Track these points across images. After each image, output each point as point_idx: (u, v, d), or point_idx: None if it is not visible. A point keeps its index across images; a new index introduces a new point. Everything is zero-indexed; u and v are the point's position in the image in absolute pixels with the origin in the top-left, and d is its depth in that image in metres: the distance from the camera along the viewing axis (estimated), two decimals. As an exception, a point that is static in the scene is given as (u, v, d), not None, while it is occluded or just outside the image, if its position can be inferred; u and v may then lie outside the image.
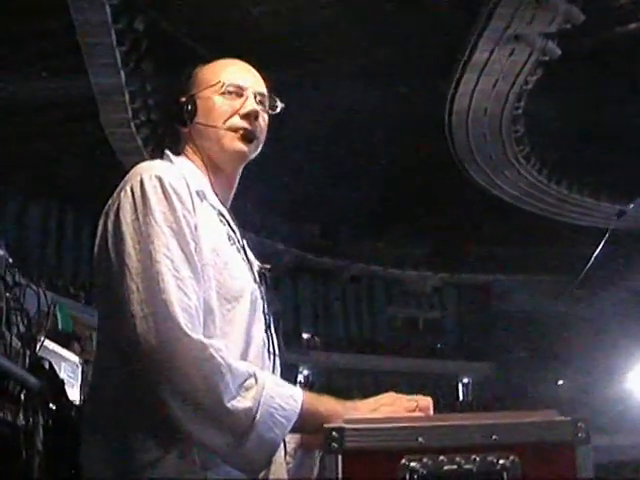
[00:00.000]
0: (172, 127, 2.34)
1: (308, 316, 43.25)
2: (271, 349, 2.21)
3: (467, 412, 41.56)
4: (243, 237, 2.29)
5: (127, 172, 2.16)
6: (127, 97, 26.02)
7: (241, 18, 25.42)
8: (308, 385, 40.97)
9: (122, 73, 24.91)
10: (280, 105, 2.37)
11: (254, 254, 2.36)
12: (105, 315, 2.09)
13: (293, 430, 1.96)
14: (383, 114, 28.86)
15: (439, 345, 45.77)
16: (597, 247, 38.71)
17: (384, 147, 31.03)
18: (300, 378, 41.24)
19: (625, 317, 41.82)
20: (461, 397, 45.19)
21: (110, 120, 27.09)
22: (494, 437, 1.61)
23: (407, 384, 42.47)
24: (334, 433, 1.61)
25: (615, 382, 39.93)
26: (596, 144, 30.46)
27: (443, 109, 29.57)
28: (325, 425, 1.64)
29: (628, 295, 41.98)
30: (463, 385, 45.50)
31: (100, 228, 2.09)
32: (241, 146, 2.27)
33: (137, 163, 2.19)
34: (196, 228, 2.05)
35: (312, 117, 26.37)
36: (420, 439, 1.60)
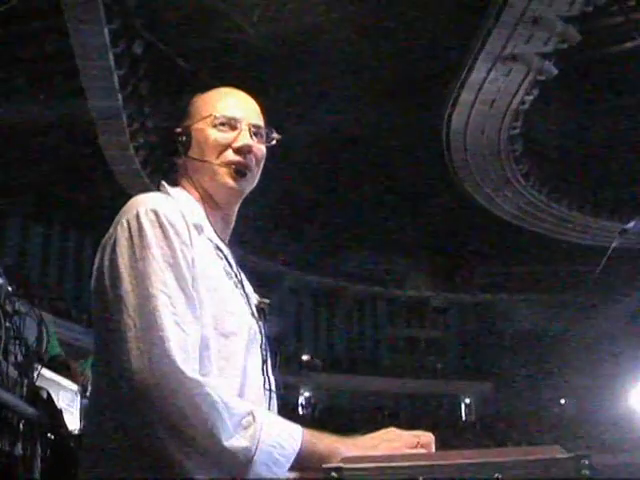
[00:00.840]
0: (168, 157, 2.30)
1: (310, 337, 43.19)
2: (267, 385, 2.17)
3: (470, 432, 41.63)
4: (240, 271, 2.25)
5: (126, 195, 2.14)
6: (125, 120, 26.06)
7: (239, 41, 25.48)
8: (310, 406, 40.88)
9: (120, 96, 24.95)
10: (276, 137, 2.31)
11: (254, 281, 2.33)
12: (101, 348, 2.03)
13: (292, 469, 1.91)
14: (382, 134, 28.90)
15: (440, 365, 45.67)
16: (599, 265, 38.64)
17: (385, 168, 31.05)
18: (301, 400, 41.14)
19: (629, 335, 41.76)
20: (463, 417, 45.05)
21: (109, 143, 27.12)
22: (497, 476, 1.57)
23: (409, 405, 42.44)
24: (333, 473, 1.57)
25: (618, 400, 39.82)
26: (595, 162, 30.52)
27: (441, 128, 29.62)
28: (324, 465, 1.60)
29: (632, 312, 41.95)
30: (465, 405, 45.36)
31: (97, 261, 2.05)
32: (233, 183, 2.22)
33: (135, 186, 2.17)
34: (193, 262, 2.01)
35: (312, 137, 26.41)
36: (421, 478, 1.57)
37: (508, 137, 29.49)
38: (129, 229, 2.00)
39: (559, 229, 36.03)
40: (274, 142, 2.33)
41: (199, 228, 2.13)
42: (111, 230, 2.06)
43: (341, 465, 1.58)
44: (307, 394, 41.28)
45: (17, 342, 4.05)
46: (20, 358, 4.04)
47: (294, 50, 25.60)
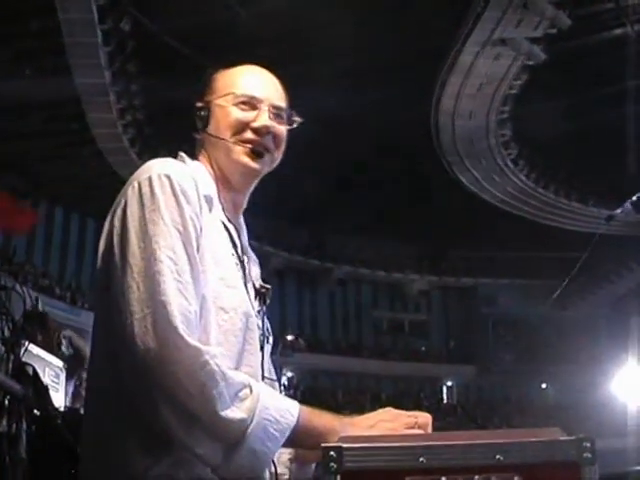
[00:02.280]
0: (189, 131, 2.28)
1: (294, 317, 43.24)
2: (263, 371, 2.14)
3: (451, 415, 41.86)
4: (248, 254, 2.28)
5: (114, 172, 2.10)
6: (112, 97, 25.93)
7: (228, 20, 25.34)
8: (293, 387, 40.97)
9: (107, 73, 24.81)
10: (298, 120, 2.32)
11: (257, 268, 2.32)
12: (102, 315, 2.03)
13: (287, 445, 1.90)
14: (370, 117, 28.85)
15: (423, 348, 45.84)
16: (585, 251, 38.89)
17: (371, 151, 31.02)
18: (284, 380, 41.24)
19: (611, 321, 42.05)
20: (445, 400, 45.25)
21: (96, 120, 26.99)
22: (498, 457, 1.55)
23: (391, 386, 42.60)
24: (332, 453, 1.55)
25: (600, 386, 40.09)
26: (584, 149, 30.55)
27: (429, 111, 29.62)
28: (323, 444, 1.58)
29: (615, 299, 42.18)
30: (447, 388, 45.56)
31: (107, 225, 2.04)
32: (248, 161, 2.21)
33: (123, 164, 2.13)
34: (201, 231, 2.01)
35: (300, 120, 26.28)
36: (422, 459, 1.54)
37: (497, 121, 29.53)
38: (140, 192, 1.99)
39: (546, 215, 36.16)
40: (295, 125, 2.32)
41: (209, 201, 2.12)
42: (122, 192, 2.05)
43: (341, 444, 1.56)
44: (290, 374, 41.37)
45: (3, 317, 4.01)
46: (7, 333, 4.00)
47: (283, 31, 25.50)
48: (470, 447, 1.56)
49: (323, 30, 25.79)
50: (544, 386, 45.92)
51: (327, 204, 34.83)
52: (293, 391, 40.68)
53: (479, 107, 28.72)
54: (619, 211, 33.92)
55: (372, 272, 44.32)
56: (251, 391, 1.86)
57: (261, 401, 1.85)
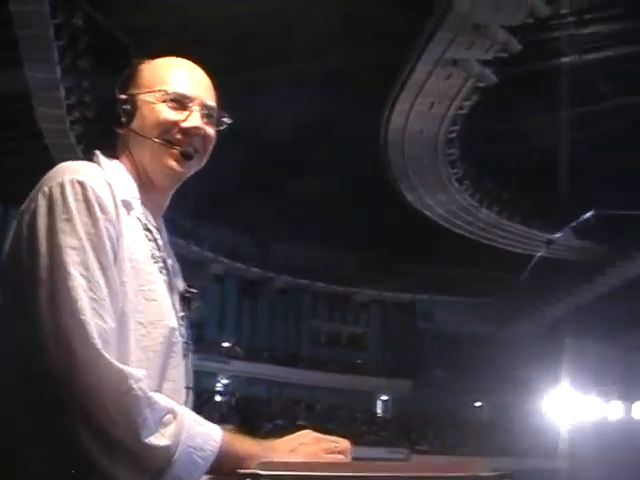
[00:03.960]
0: (108, 125, 2.13)
1: (232, 325, 43.04)
2: (185, 382, 2.05)
3: (385, 429, 41.90)
4: (170, 256, 2.11)
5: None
6: (62, 93, 25.55)
7: (182, 19, 25.15)
8: (228, 394, 40.74)
9: (58, 68, 24.44)
10: (227, 121, 2.16)
11: (182, 267, 2.23)
12: (6, 326, 1.86)
13: (209, 471, 1.85)
14: (317, 127, 28.84)
15: (360, 361, 45.91)
16: (524, 272, 39.35)
17: (319, 163, 30.98)
18: (219, 387, 41.00)
19: (547, 343, 42.52)
20: (379, 414, 45.34)
21: (44, 115, 26.57)
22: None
23: (326, 398, 42.55)
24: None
25: (533, 407, 40.55)
26: (530, 172, 30.92)
27: (380, 126, 29.68)
28: (239, 470, 1.56)
29: (552, 321, 42.66)
30: (382, 402, 45.67)
31: (15, 228, 1.91)
32: (174, 165, 2.06)
33: (69, 160, 2.04)
34: (118, 241, 1.88)
35: (245, 126, 26.17)
36: (338, 489, 1.54)
37: (445, 140, 29.71)
38: (51, 199, 1.86)
39: (488, 235, 36.46)
40: (225, 126, 2.17)
41: (128, 205, 1.98)
42: (32, 195, 1.92)
43: (258, 471, 1.54)
44: (226, 381, 41.15)
45: None
46: None
47: (237, 32, 25.40)
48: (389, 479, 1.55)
49: (277, 35, 25.77)
50: (478, 404, 46.26)
51: (272, 213, 34.74)
52: (228, 398, 40.48)
53: (429, 125, 28.88)
54: (559, 235, 34.45)
55: (312, 283, 44.30)
56: (175, 416, 1.79)
57: (185, 427, 1.78)
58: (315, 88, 26.93)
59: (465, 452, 36.31)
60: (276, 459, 1.77)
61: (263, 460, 1.71)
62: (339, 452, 1.92)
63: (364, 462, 1.73)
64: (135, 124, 2.08)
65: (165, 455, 1.74)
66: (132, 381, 1.74)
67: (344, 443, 1.95)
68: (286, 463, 1.68)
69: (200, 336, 37.85)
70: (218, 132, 2.16)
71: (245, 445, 1.85)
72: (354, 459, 1.92)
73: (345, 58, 26.40)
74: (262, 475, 1.53)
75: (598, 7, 26.34)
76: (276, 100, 26.77)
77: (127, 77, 2.15)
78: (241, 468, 1.59)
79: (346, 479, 1.54)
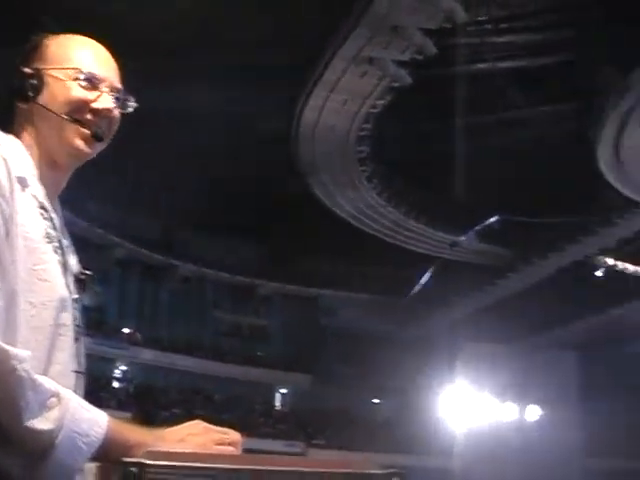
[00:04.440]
0: (7, 98, 2.03)
1: (133, 311, 42.54)
2: (76, 366, 1.97)
3: (282, 422, 41.95)
4: (66, 237, 2.04)
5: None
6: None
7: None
8: (126, 381, 40.28)
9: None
10: (134, 105, 2.10)
11: (80, 248, 2.15)
12: None
13: (94, 458, 1.79)
14: (230, 118, 28.68)
15: (260, 353, 45.89)
16: (426, 272, 39.87)
17: (230, 152, 30.81)
18: (117, 373, 40.49)
19: (447, 344, 43.12)
20: (278, 407, 45.41)
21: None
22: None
23: (225, 389, 42.43)
24: (133, 469, 1.48)
25: (430, 406, 41.09)
26: (438, 174, 31.24)
27: (292, 120, 29.64)
28: (124, 459, 1.51)
29: (453, 322, 43.27)
30: (281, 395, 45.74)
31: None
32: (82, 145, 1.99)
33: None
34: (11, 218, 1.80)
35: (161, 114, 25.84)
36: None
37: (357, 138, 29.82)
38: None
39: (394, 234, 36.76)
40: (130, 110, 2.11)
41: (23, 182, 1.89)
42: None
43: (142, 460, 1.49)
44: (124, 368, 40.66)
45: None
46: None
47: (151, 20, 25.06)
48: (276, 474, 1.52)
49: (192, 24, 25.51)
50: (376, 401, 46.70)
51: (178, 201, 34.46)
52: (126, 385, 40.02)
53: (341, 122, 28.96)
54: (463, 238, 34.98)
55: (216, 273, 44.08)
56: (59, 400, 1.72)
57: (70, 411, 1.71)
58: (230, 80, 26.78)
59: (361, 448, 36.61)
60: (163, 448, 1.72)
61: (150, 449, 1.66)
62: (229, 444, 1.88)
63: (251, 455, 1.69)
64: (42, 100, 2.00)
65: (48, 439, 1.68)
66: (15, 362, 1.66)
67: (234, 435, 1.92)
68: (172, 453, 1.63)
69: (100, 321, 37.31)
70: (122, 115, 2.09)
71: (132, 433, 1.80)
72: (250, 451, 1.89)
73: (262, 50, 26.28)
74: (147, 464, 1.48)
75: (515, 17, 26.84)
76: (190, 90, 26.57)
77: (30, 50, 2.06)
78: (127, 456, 1.54)
79: (231, 471, 1.50)
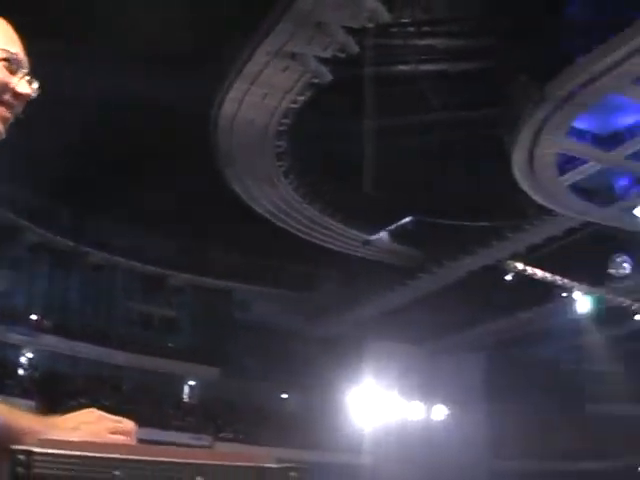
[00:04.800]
0: None
1: (41, 297, 41.71)
2: None
3: (190, 414, 41.67)
4: None
5: None
6: None
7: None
8: (32, 368, 39.46)
9: None
10: (37, 89, 1.99)
11: None
12: None
13: None
14: (148, 106, 28.24)
15: (170, 344, 45.48)
16: (341, 270, 40.00)
17: (148, 141, 30.36)
18: (23, 360, 39.67)
19: (357, 343, 43.38)
20: (186, 399, 45.06)
21: None
22: (199, 478, 1.50)
23: (133, 379, 41.94)
24: (21, 456, 1.43)
25: (339, 402, 41.29)
26: (354, 172, 31.36)
27: (211, 111, 29.37)
28: (12, 446, 1.46)
29: (364, 321, 43.52)
30: (190, 387, 45.40)
31: None
32: (1, 128, 1.92)
33: None
34: None
35: (71, 95, 25.34)
36: (117, 472, 1.46)
37: (275, 133, 29.73)
38: None
39: (310, 231, 36.76)
40: (34, 94, 2.01)
41: None
42: None
43: (32, 449, 1.45)
44: (30, 355, 39.85)
45: None
46: None
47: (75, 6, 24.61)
48: (171, 465, 1.49)
49: (115, 15, 25.12)
50: (285, 396, 46.72)
51: (94, 188, 33.89)
52: (32, 372, 39.23)
53: (260, 116, 28.82)
54: (376, 237, 35.20)
55: (128, 262, 43.49)
56: None
57: None
58: (151, 63, 26.42)
59: (269, 443, 36.64)
60: (55, 436, 1.68)
61: (41, 437, 1.62)
62: (122, 433, 1.85)
63: (144, 445, 1.66)
64: None
65: None
66: None
67: (128, 424, 1.88)
68: (62, 441, 1.59)
69: (7, 306, 36.50)
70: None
71: (24, 420, 1.76)
72: (157, 443, 1.85)
73: (185, 38, 26.01)
74: (35, 452, 1.44)
75: (438, 22, 27.13)
76: (106, 75, 26.15)
77: None
78: (17, 444, 1.49)
79: (121, 461, 1.47)
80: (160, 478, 1.47)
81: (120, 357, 41.39)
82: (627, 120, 26.54)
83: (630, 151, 27.78)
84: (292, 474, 1.55)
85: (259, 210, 35.13)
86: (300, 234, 36.93)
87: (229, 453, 1.61)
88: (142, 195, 33.84)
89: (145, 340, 43.92)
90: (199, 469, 1.50)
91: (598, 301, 35.79)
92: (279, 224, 36.16)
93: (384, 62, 27.39)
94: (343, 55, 25.33)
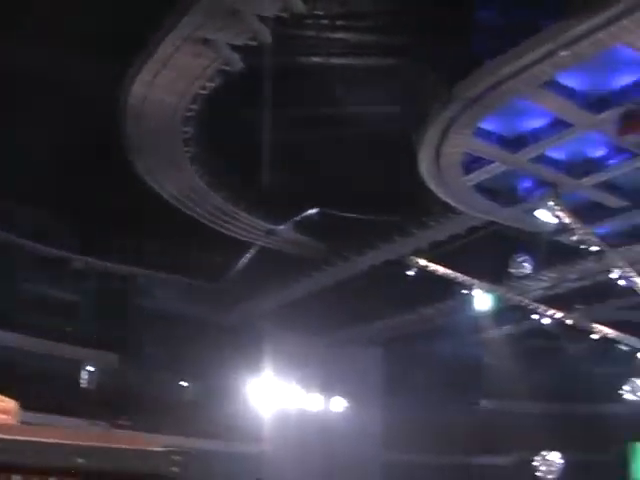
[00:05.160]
0: None
1: None
2: None
3: (87, 400, 41.14)
4: None
5: None
6: None
7: None
8: None
9: None
10: None
11: None
12: None
13: None
14: (53, 85, 27.66)
15: (69, 329, 44.72)
16: (242, 259, 39.90)
17: (51, 119, 29.70)
18: None
19: (256, 331, 43.41)
20: (83, 384, 44.42)
21: None
22: (80, 460, 1.46)
23: (30, 363, 41.05)
24: None
25: (238, 391, 41.32)
26: (259, 162, 31.31)
27: (120, 93, 28.88)
28: None
29: (268, 311, 43.61)
30: (88, 373, 44.76)
31: None
32: None
33: None
34: None
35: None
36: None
37: (183, 118, 29.41)
38: None
39: (214, 218, 36.54)
40: None
41: None
42: None
43: None
44: None
45: None
46: None
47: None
48: (50, 446, 1.45)
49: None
50: (185, 384, 46.46)
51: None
52: None
53: (169, 100, 28.46)
54: (281, 227, 35.19)
55: (27, 243, 42.47)
56: None
57: None
58: (58, 42, 25.93)
59: (167, 431, 36.45)
60: None
61: None
62: (2, 411, 1.79)
63: (24, 425, 1.62)
64: None
65: None
66: None
67: (9, 403, 1.83)
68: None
69: None
70: None
71: None
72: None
73: (97, 17, 25.57)
74: None
75: (352, 16, 27.22)
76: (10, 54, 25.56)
77: None
78: None
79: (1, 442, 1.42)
80: (39, 458, 1.42)
81: (16, 340, 40.50)
82: (532, 124, 27.12)
83: (534, 154, 28.39)
84: (175, 457, 1.53)
85: (165, 196, 34.73)
86: (206, 222, 36.67)
87: (112, 435, 1.57)
88: (43, 175, 33.11)
89: (43, 324, 43.03)
90: (80, 450, 1.46)
91: (497, 299, 36.53)
92: (185, 211, 35.85)
93: (296, 53, 27.41)
94: (255, 43, 25.17)
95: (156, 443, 1.36)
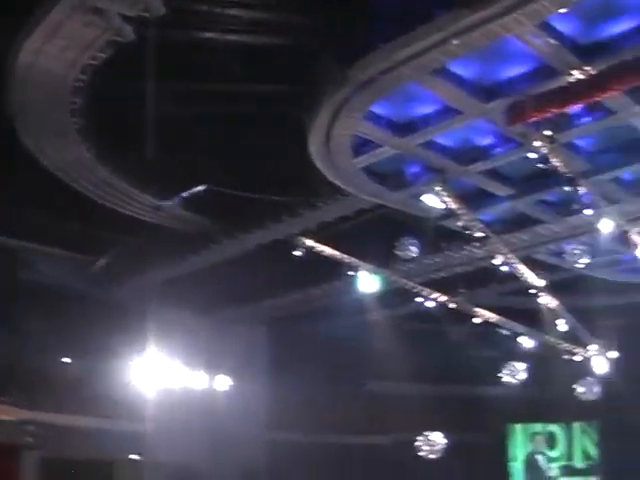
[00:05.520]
0: None
1: None
2: None
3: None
4: None
5: None
6: None
7: None
8: None
9: None
10: None
11: None
12: None
13: None
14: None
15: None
16: (128, 235, 39.38)
17: None
18: None
19: (142, 308, 43.05)
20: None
21: None
22: None
23: None
24: None
25: (122, 369, 40.95)
26: (151, 137, 30.83)
27: (7, 59, 28.04)
28: None
29: (149, 287, 43.25)
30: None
31: None
32: None
33: None
34: None
35: None
36: None
37: (72, 89, 28.76)
38: None
39: (101, 192, 35.94)
40: None
41: None
42: None
43: None
44: None
45: None
46: None
47: None
48: None
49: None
50: (67, 360, 45.69)
51: None
52: None
53: (58, 69, 27.74)
54: (168, 203, 34.87)
55: None
56: None
57: None
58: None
59: (48, 408, 35.89)
60: None
61: None
62: None
63: None
64: None
65: None
66: None
67: None
68: None
69: None
70: None
71: None
72: None
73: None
74: None
75: (246, -9, 27.03)
76: None
77: None
78: None
79: None
80: None
81: None
82: (423, 110, 27.54)
83: (423, 140, 28.85)
84: (28, 428, 1.49)
85: (50, 167, 33.95)
86: (91, 195, 36.03)
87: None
88: None
89: None
90: None
91: (383, 281, 37.06)
92: (70, 183, 35.12)
93: (190, 27, 27.11)
94: (148, 15, 24.73)
95: (12, 414, 1.32)
